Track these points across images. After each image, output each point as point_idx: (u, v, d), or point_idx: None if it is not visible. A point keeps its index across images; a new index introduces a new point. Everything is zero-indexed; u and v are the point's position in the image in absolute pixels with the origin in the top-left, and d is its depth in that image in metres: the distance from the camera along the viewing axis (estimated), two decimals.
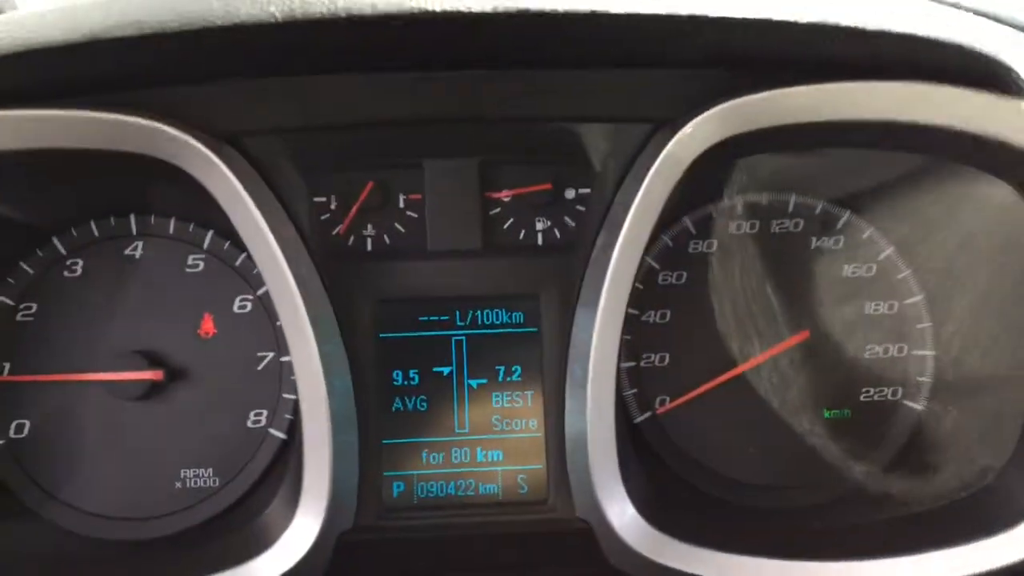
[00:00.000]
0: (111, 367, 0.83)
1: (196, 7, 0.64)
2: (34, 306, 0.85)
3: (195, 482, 0.85)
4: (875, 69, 0.71)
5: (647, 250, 0.75)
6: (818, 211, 0.89)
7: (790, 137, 0.73)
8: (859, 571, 0.74)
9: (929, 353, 0.88)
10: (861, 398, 0.88)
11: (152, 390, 0.84)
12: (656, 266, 0.88)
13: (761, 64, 0.73)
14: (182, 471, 0.85)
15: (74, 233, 0.86)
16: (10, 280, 0.85)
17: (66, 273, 0.85)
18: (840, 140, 0.77)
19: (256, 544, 0.76)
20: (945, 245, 0.86)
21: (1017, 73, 0.69)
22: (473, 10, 0.64)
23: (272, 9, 0.64)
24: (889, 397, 0.89)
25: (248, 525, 0.81)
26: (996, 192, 0.78)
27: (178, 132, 0.70)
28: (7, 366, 0.85)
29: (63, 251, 0.86)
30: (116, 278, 0.86)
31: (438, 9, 0.64)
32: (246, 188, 0.72)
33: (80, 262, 0.86)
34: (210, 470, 0.85)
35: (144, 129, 0.70)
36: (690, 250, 0.89)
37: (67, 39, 0.64)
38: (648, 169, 0.73)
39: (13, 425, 0.84)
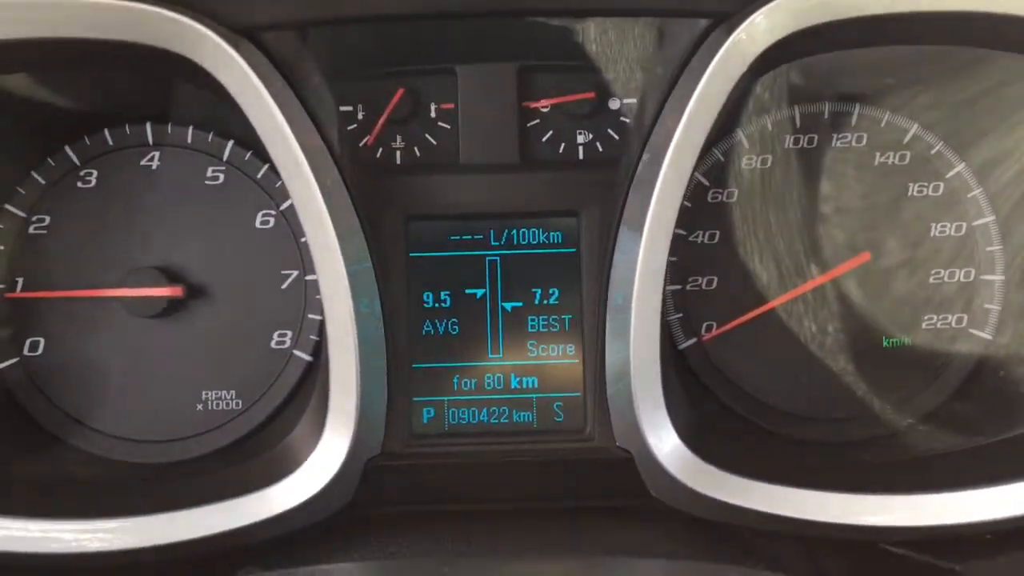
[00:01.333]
0: (128, 283, 0.83)
1: None
2: (47, 218, 0.85)
3: (217, 404, 0.86)
4: None
5: (697, 165, 0.74)
6: (883, 124, 0.86)
7: (862, 31, 0.71)
8: (918, 505, 0.73)
9: (998, 279, 0.86)
10: (923, 326, 0.87)
11: (171, 308, 0.84)
12: (706, 182, 0.87)
13: None
14: (204, 393, 0.86)
15: (87, 142, 0.86)
16: (21, 190, 0.85)
17: (80, 184, 0.85)
18: (912, 35, 0.74)
19: (280, 468, 0.76)
20: (1015, 158, 0.84)
21: None
22: None
23: None
24: (953, 325, 0.87)
25: (272, 449, 0.82)
26: None
27: (193, 23, 0.68)
28: (20, 281, 0.85)
29: (76, 161, 0.85)
30: (132, 190, 0.85)
31: None
32: (268, 88, 0.71)
33: (94, 172, 0.85)
34: (232, 392, 0.86)
35: (156, 18, 0.68)
36: (743, 165, 0.87)
37: None
38: (705, 69, 0.71)
39: (28, 343, 0.85)
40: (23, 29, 0.68)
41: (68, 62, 0.75)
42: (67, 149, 0.85)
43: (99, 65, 0.76)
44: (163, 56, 0.69)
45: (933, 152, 0.86)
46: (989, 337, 0.87)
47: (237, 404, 0.86)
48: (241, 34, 0.71)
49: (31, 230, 0.85)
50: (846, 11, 0.69)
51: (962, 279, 0.87)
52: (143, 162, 0.86)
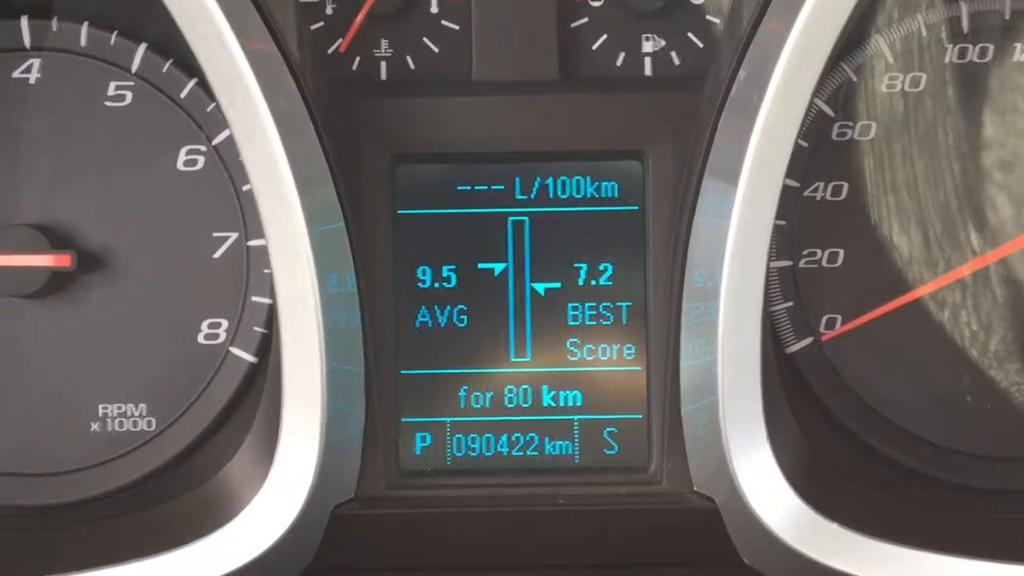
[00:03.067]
0: None
1: None
2: None
3: (120, 423, 0.87)
4: None
5: (817, 87, 0.75)
6: None
7: None
8: None
9: None
10: None
11: (55, 283, 0.85)
12: (830, 112, 0.88)
13: None
14: (101, 407, 0.87)
15: None
16: None
17: None
18: None
19: (210, 516, 0.78)
20: None
21: None
22: None
23: None
24: None
25: (198, 488, 0.83)
26: None
27: None
28: None
29: None
30: (1, 114, 0.86)
31: None
32: None
33: None
34: (142, 406, 0.87)
35: None
36: (883, 88, 0.88)
37: None
38: None
39: None
40: None
41: None
42: None
43: None
44: None
45: None
46: None
47: (148, 423, 0.87)
48: None
49: None
50: None
51: None
52: (16, 74, 0.87)
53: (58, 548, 0.78)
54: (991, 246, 0.87)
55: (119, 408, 0.87)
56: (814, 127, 0.87)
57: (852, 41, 0.86)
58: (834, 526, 0.76)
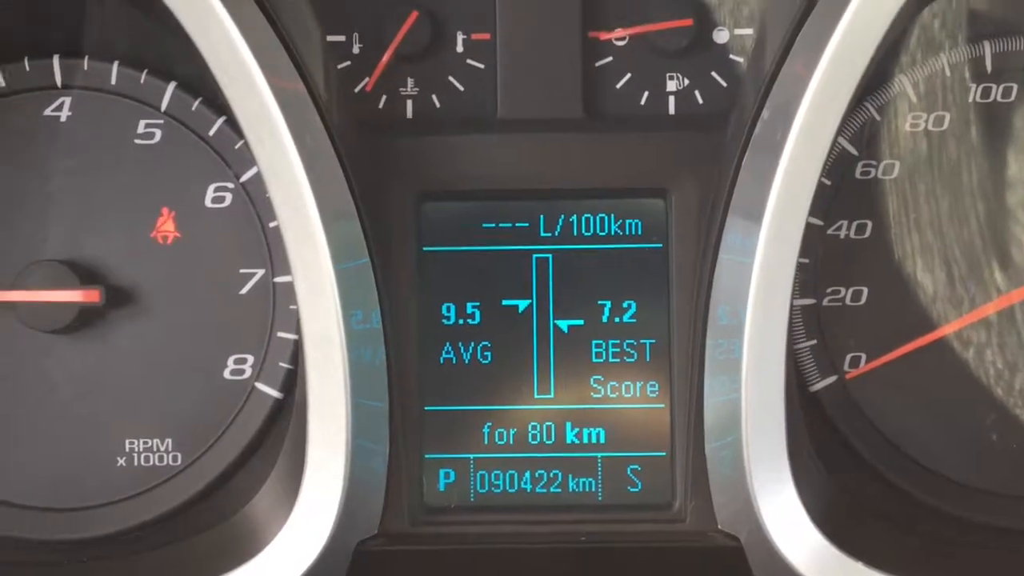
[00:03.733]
0: (24, 283, 0.84)
1: None
2: None
3: (147, 458, 0.87)
4: None
5: (841, 126, 0.75)
6: None
7: None
8: None
9: None
10: None
11: (83, 319, 0.85)
12: (853, 151, 0.88)
13: None
14: (128, 442, 0.87)
15: None
16: None
17: None
18: None
19: (234, 552, 0.78)
20: None
21: None
22: None
23: None
24: None
25: (223, 524, 0.83)
26: None
27: None
28: None
29: None
30: (31, 151, 0.87)
31: None
32: (227, 6, 0.72)
33: None
34: (168, 441, 0.87)
35: None
36: (907, 128, 0.88)
37: None
38: None
39: None
40: None
41: None
42: None
43: None
44: None
45: None
46: None
47: (174, 458, 0.87)
48: None
49: None
50: None
51: None
52: (48, 111, 0.87)
53: None
54: (1016, 285, 0.87)
55: (145, 443, 0.87)
56: (837, 166, 0.87)
57: (875, 80, 0.86)
58: (860, 565, 0.75)
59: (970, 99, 0.88)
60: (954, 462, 0.88)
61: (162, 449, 0.87)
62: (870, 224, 0.88)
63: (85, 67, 0.87)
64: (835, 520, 0.77)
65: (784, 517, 0.76)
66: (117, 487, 0.87)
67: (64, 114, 0.87)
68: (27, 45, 0.87)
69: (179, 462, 0.87)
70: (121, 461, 0.87)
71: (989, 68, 0.88)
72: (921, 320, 0.88)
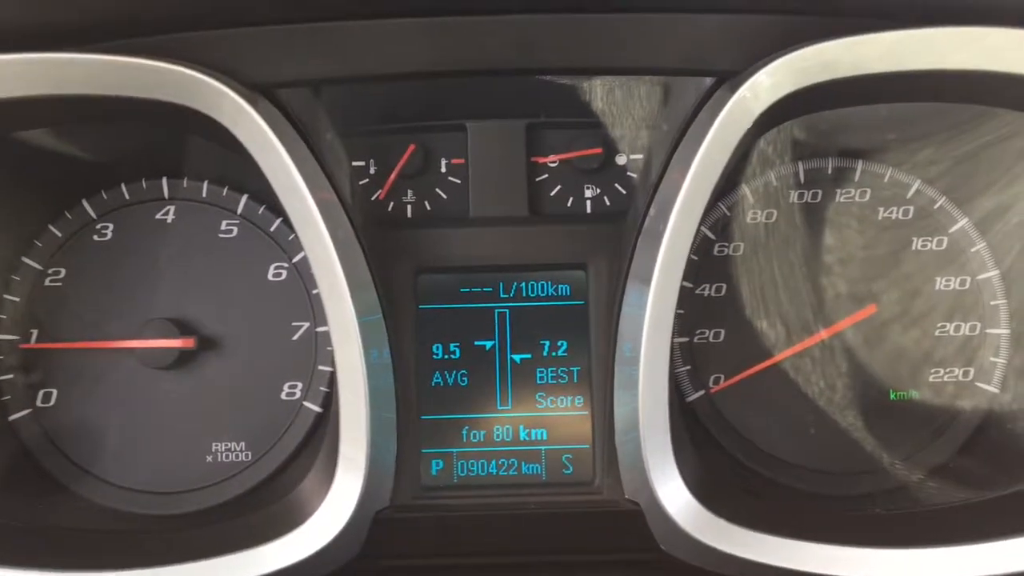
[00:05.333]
0: (141, 335, 0.83)
1: None
2: (63, 271, 0.86)
3: (227, 456, 0.86)
4: (949, 16, 0.69)
5: (703, 219, 0.74)
6: (886, 179, 0.87)
7: (863, 89, 0.71)
8: (925, 559, 0.72)
9: (1004, 332, 0.86)
10: (930, 379, 0.87)
11: (183, 359, 0.84)
12: (712, 236, 0.87)
13: (831, 10, 0.71)
14: (214, 444, 0.86)
15: (104, 196, 0.86)
16: (38, 243, 0.86)
17: (95, 237, 0.86)
18: (914, 92, 0.74)
19: (289, 520, 0.76)
20: (1019, 213, 0.84)
21: None
22: None
23: None
24: (960, 379, 0.87)
25: (281, 501, 0.81)
26: None
27: (212, 80, 0.69)
28: (35, 332, 0.85)
29: (93, 215, 0.86)
30: (147, 243, 0.86)
31: None
32: (283, 143, 0.71)
33: (110, 226, 0.86)
34: (242, 443, 0.86)
35: (176, 76, 0.69)
36: (748, 220, 0.88)
37: None
38: (710, 126, 0.71)
39: (40, 394, 0.85)
40: (46, 86, 0.69)
41: (90, 118, 0.76)
42: (84, 203, 0.86)
43: (119, 121, 0.77)
44: (181, 112, 0.70)
45: (936, 207, 0.87)
46: (996, 391, 0.86)
47: (247, 455, 0.86)
48: (257, 91, 0.73)
49: (47, 282, 0.86)
50: (846, 70, 0.70)
51: (968, 332, 0.87)
52: (158, 216, 0.86)
53: (183, 543, 0.76)
54: (825, 326, 0.86)
55: (226, 445, 0.86)
56: (702, 246, 0.86)
57: (726, 187, 0.85)
58: (722, 521, 0.74)
59: (791, 200, 0.87)
60: (787, 448, 0.87)
61: (238, 449, 0.86)
62: (725, 286, 0.87)
63: (185, 184, 0.87)
64: (705, 490, 0.76)
65: (670, 489, 0.75)
66: (206, 477, 0.86)
67: (170, 217, 0.86)
68: (144, 169, 0.86)
69: (250, 458, 0.86)
70: (209, 458, 0.86)
71: (802, 179, 0.87)
72: (762, 351, 0.87)
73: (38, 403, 0.85)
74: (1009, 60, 0.69)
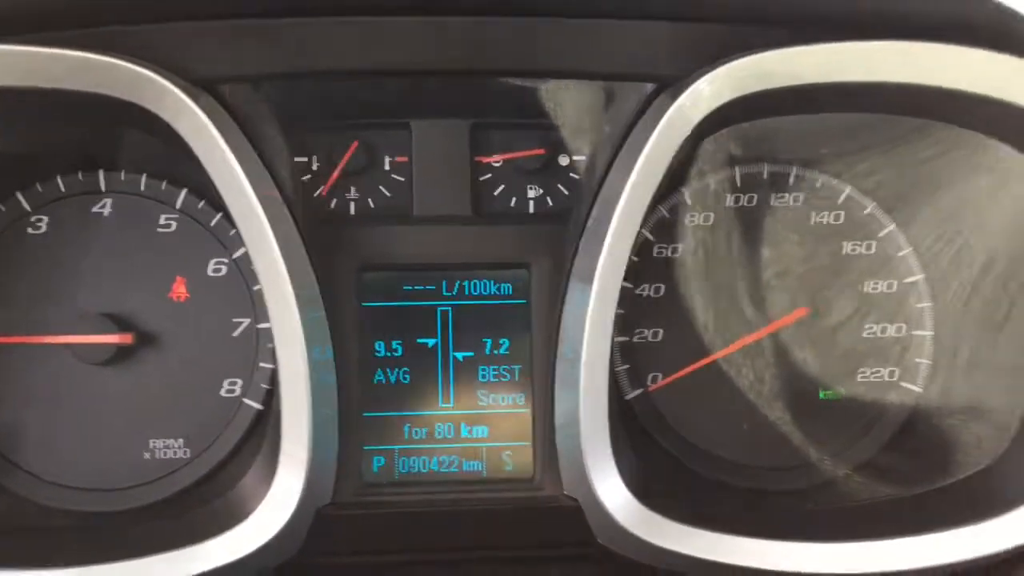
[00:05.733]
0: (77, 329, 0.82)
1: None
2: None
3: (165, 453, 0.85)
4: (892, 29, 0.72)
5: (644, 221, 0.76)
6: (818, 185, 0.89)
7: (800, 99, 0.73)
8: (852, 553, 0.75)
9: (928, 334, 0.89)
10: (858, 379, 0.89)
11: (120, 355, 0.83)
12: (652, 238, 0.88)
13: (773, 20, 0.73)
14: (151, 441, 0.85)
15: (39, 188, 0.85)
16: None
17: (30, 230, 0.84)
18: (850, 103, 0.77)
19: (229, 517, 0.76)
20: (947, 221, 0.87)
21: None
22: None
23: None
24: (886, 378, 0.90)
25: (221, 498, 0.81)
26: (1000, 161, 0.80)
27: (153, 75, 0.69)
28: None
29: (27, 207, 0.85)
30: (83, 236, 0.85)
31: None
32: (225, 138, 0.71)
33: (45, 219, 0.85)
34: (181, 440, 0.85)
35: (117, 70, 0.69)
36: (686, 223, 0.89)
37: None
38: (651, 131, 0.73)
39: None
40: None
41: (26, 111, 0.75)
42: (18, 195, 0.85)
43: (57, 114, 0.76)
44: (122, 106, 0.70)
45: (865, 213, 0.89)
46: (920, 390, 0.89)
47: (185, 453, 0.85)
48: (199, 86, 0.72)
49: None
50: (781, 80, 0.72)
51: (894, 334, 0.89)
52: (95, 209, 0.85)
53: (121, 540, 0.76)
54: (757, 327, 0.88)
55: (164, 442, 0.85)
56: (642, 248, 0.87)
57: (666, 190, 0.86)
58: (658, 516, 0.76)
59: (727, 204, 0.89)
60: (722, 445, 0.89)
61: (176, 446, 0.85)
62: (664, 286, 0.88)
63: (122, 177, 0.85)
64: (642, 486, 0.77)
65: (608, 485, 0.76)
66: (144, 473, 0.85)
67: (106, 211, 0.85)
68: (80, 161, 0.85)
69: (188, 455, 0.85)
70: (147, 455, 0.85)
71: (739, 184, 0.88)
72: (698, 350, 0.88)
73: None
74: (943, 75, 0.72)
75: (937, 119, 0.79)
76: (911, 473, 0.85)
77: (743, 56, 0.71)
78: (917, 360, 0.90)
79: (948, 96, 0.73)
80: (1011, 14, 0.69)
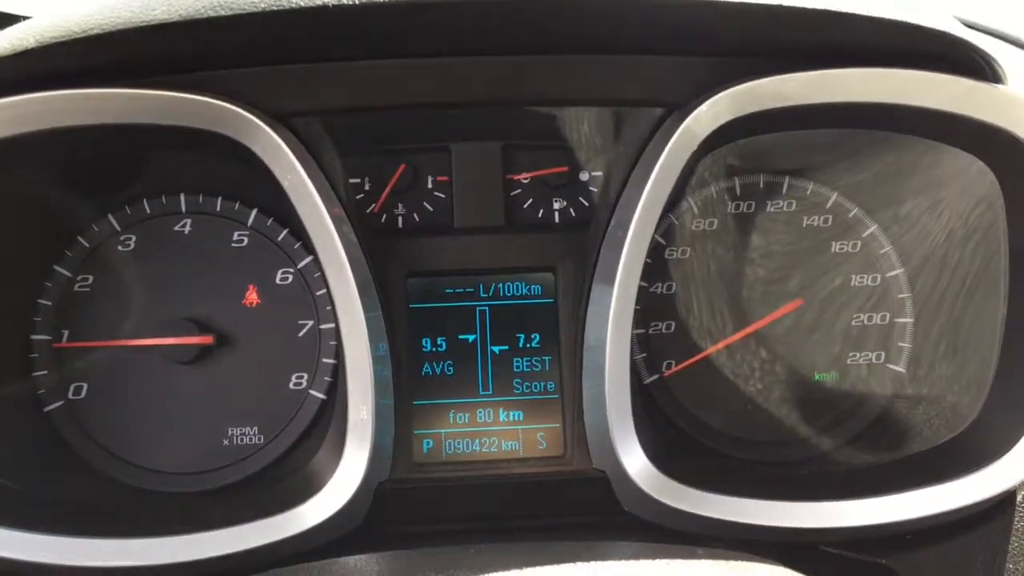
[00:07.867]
0: (164, 333, 0.89)
1: None
2: (90, 277, 0.91)
3: (241, 439, 0.91)
4: (868, 58, 0.78)
5: (656, 228, 0.80)
6: (808, 192, 0.95)
7: (791, 118, 0.79)
8: (847, 510, 0.79)
9: (909, 321, 0.93)
10: (848, 362, 0.94)
11: (201, 354, 0.89)
12: (663, 242, 0.93)
13: (766, 52, 0.79)
14: (229, 429, 0.91)
15: (128, 211, 0.92)
16: (68, 253, 0.91)
17: (120, 247, 0.91)
18: (832, 121, 0.82)
19: (304, 492, 0.80)
20: (922, 222, 0.92)
21: (997, 62, 0.77)
22: None
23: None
24: (874, 361, 0.94)
25: (297, 474, 0.86)
26: (969, 171, 0.85)
27: (242, 111, 0.76)
28: (65, 333, 0.90)
29: (117, 227, 0.91)
30: (167, 252, 0.91)
31: None
32: (301, 164, 0.77)
33: (133, 237, 0.91)
34: (255, 428, 0.91)
35: (209, 106, 0.76)
36: (693, 228, 0.94)
37: (142, 22, 0.71)
38: (663, 148, 0.78)
39: (72, 388, 0.90)
40: (93, 117, 0.76)
41: (129, 144, 0.82)
42: (110, 217, 0.91)
43: (154, 145, 0.83)
44: (213, 137, 0.77)
45: (851, 215, 0.94)
46: (903, 371, 0.94)
47: (259, 439, 0.91)
48: (278, 120, 0.80)
49: (76, 288, 0.91)
50: (773, 102, 0.78)
51: (879, 322, 0.94)
52: (176, 228, 0.91)
53: (210, 514, 0.81)
54: (757, 319, 0.92)
55: (240, 430, 0.91)
56: (654, 251, 0.92)
57: (675, 200, 0.90)
58: (676, 483, 0.80)
59: (728, 211, 0.93)
60: (728, 422, 0.93)
61: (251, 433, 0.90)
62: (674, 284, 0.93)
63: (200, 200, 0.91)
64: (661, 458, 0.80)
65: (632, 457, 0.80)
66: (224, 457, 0.90)
67: (187, 229, 0.91)
68: (164, 186, 0.91)
69: (262, 441, 0.91)
70: (226, 442, 0.90)
71: (739, 192, 0.93)
72: (706, 340, 0.93)
73: (70, 395, 0.90)
74: (911, 96, 0.79)
75: (907, 132, 0.84)
76: (894, 443, 0.89)
77: (740, 83, 0.77)
78: (900, 344, 0.94)
79: (916, 113, 0.79)
80: (965, 44, 0.77)
